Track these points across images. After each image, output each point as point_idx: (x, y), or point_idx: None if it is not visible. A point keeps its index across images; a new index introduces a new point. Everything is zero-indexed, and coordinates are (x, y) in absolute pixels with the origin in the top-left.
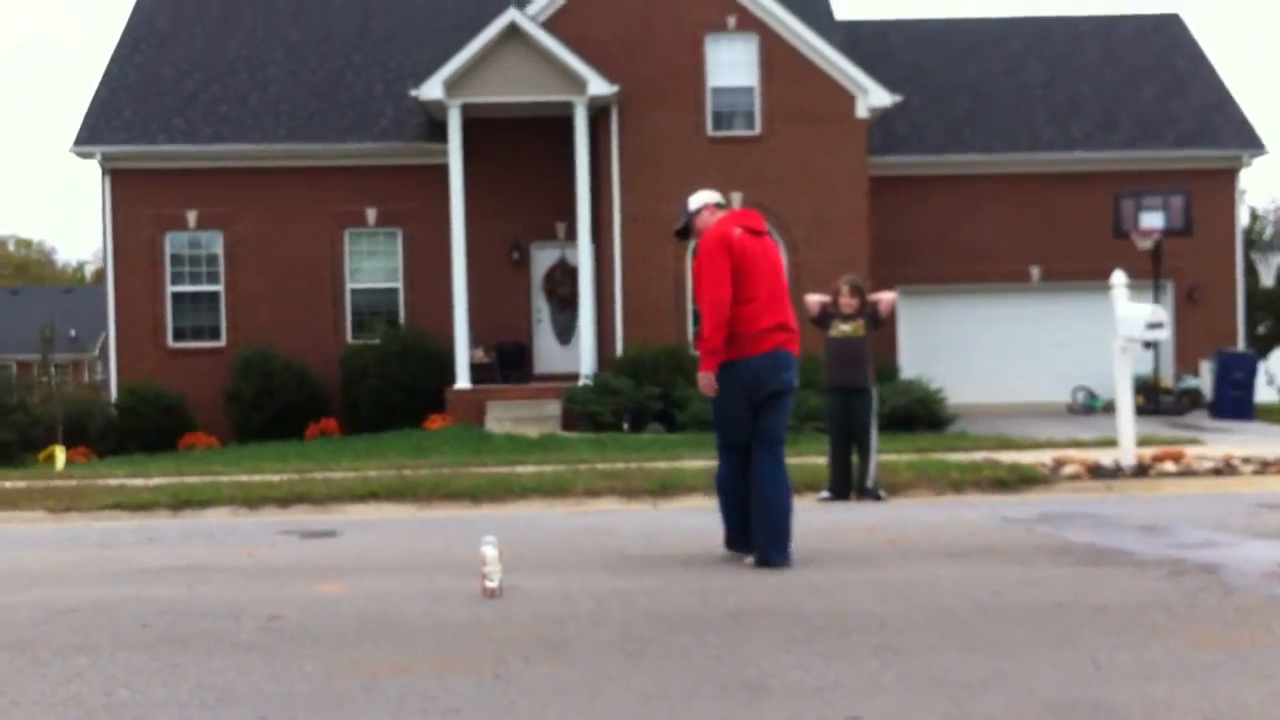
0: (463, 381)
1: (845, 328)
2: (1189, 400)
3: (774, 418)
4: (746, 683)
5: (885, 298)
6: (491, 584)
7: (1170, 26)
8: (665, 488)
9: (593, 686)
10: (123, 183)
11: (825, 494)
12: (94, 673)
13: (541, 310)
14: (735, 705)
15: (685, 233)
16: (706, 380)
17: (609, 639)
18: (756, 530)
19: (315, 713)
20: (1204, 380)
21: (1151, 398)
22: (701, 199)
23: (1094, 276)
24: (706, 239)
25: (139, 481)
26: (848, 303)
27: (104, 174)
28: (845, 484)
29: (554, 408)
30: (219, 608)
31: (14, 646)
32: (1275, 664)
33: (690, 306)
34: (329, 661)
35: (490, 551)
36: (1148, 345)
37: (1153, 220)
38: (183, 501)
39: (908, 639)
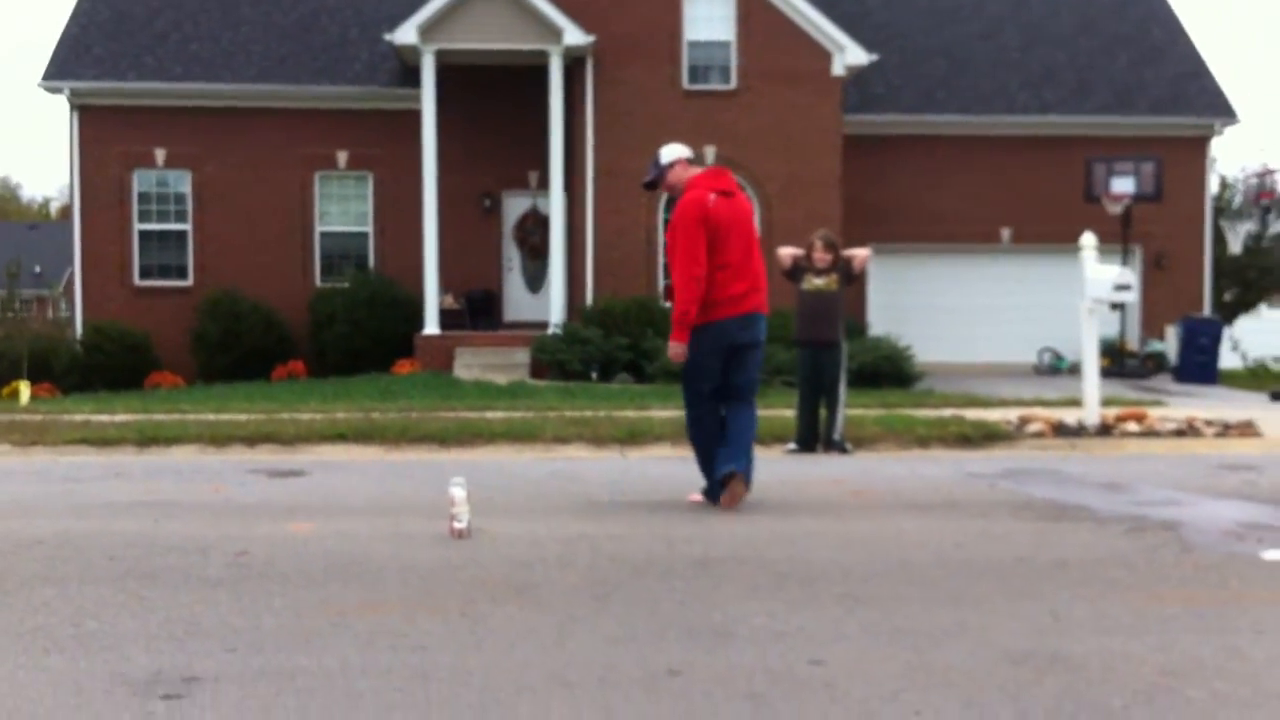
0: (432, 327)
1: (818, 281)
2: (1154, 364)
3: (747, 371)
4: (712, 628)
5: (859, 254)
6: (460, 525)
7: None
8: (633, 436)
9: (559, 628)
10: (91, 119)
11: (792, 446)
12: (61, 604)
13: (512, 259)
14: (700, 649)
15: (653, 185)
16: (678, 350)
17: (576, 583)
18: (733, 455)
19: (284, 647)
20: (1169, 345)
21: (1117, 361)
22: (673, 153)
23: (1064, 240)
24: (683, 209)
25: (105, 418)
26: (821, 257)
27: (72, 110)
28: (812, 437)
29: (523, 356)
30: (186, 543)
31: None
32: (1231, 619)
33: (661, 260)
34: (297, 599)
35: (459, 493)
36: (1115, 306)
37: (1124, 185)
38: (149, 438)
39: (871, 589)
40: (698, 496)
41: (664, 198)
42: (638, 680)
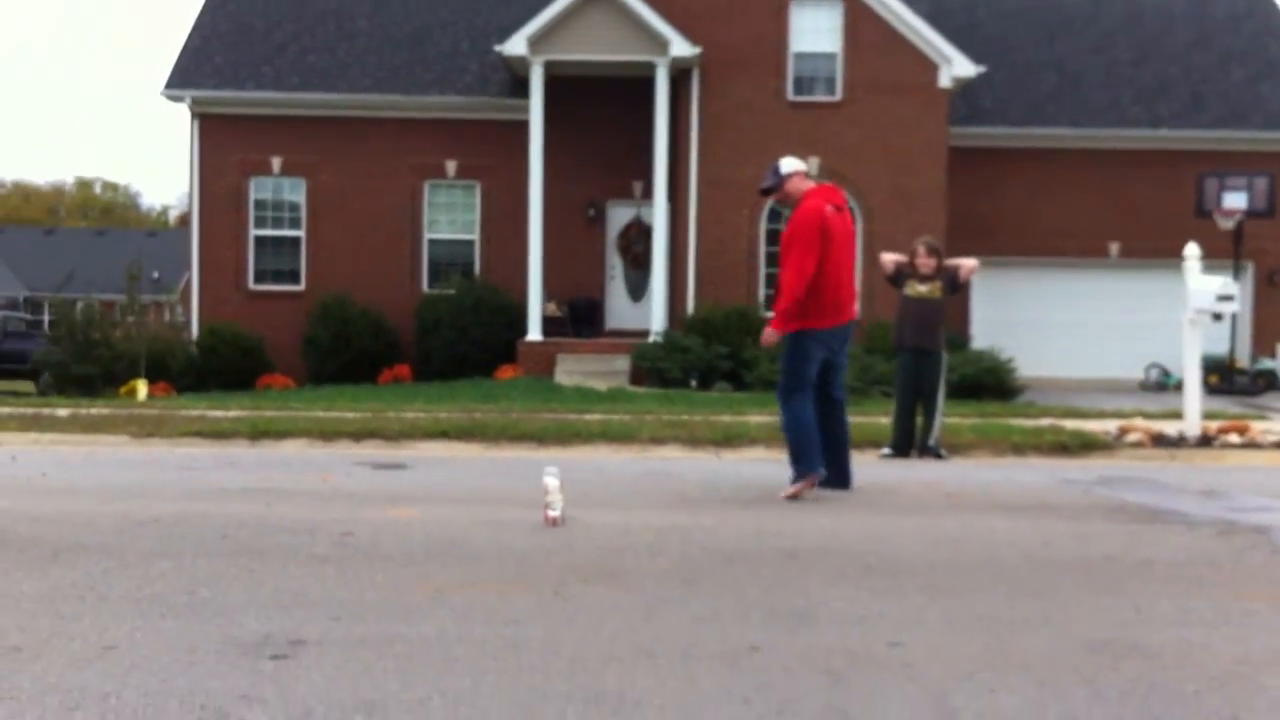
0: (534, 334)
1: (921, 288)
2: (1264, 381)
3: (840, 376)
4: (794, 611)
5: (967, 263)
6: (554, 513)
7: (1263, 9)
8: (729, 438)
9: (647, 608)
10: (211, 127)
11: (887, 450)
12: (176, 575)
13: (615, 267)
14: (782, 630)
15: (770, 191)
16: (772, 336)
17: (665, 568)
18: (844, 460)
19: (385, 617)
20: None
21: (1226, 378)
22: (792, 165)
23: (1173, 255)
24: (804, 214)
25: (219, 413)
26: (925, 262)
27: (193, 118)
28: (908, 442)
29: (623, 363)
30: (295, 524)
31: (100, 549)
32: None
33: (763, 270)
34: (398, 575)
35: (552, 482)
36: (1217, 317)
37: (1235, 201)
38: (261, 432)
39: (955, 581)
40: (793, 489)
41: (767, 209)
42: (719, 655)
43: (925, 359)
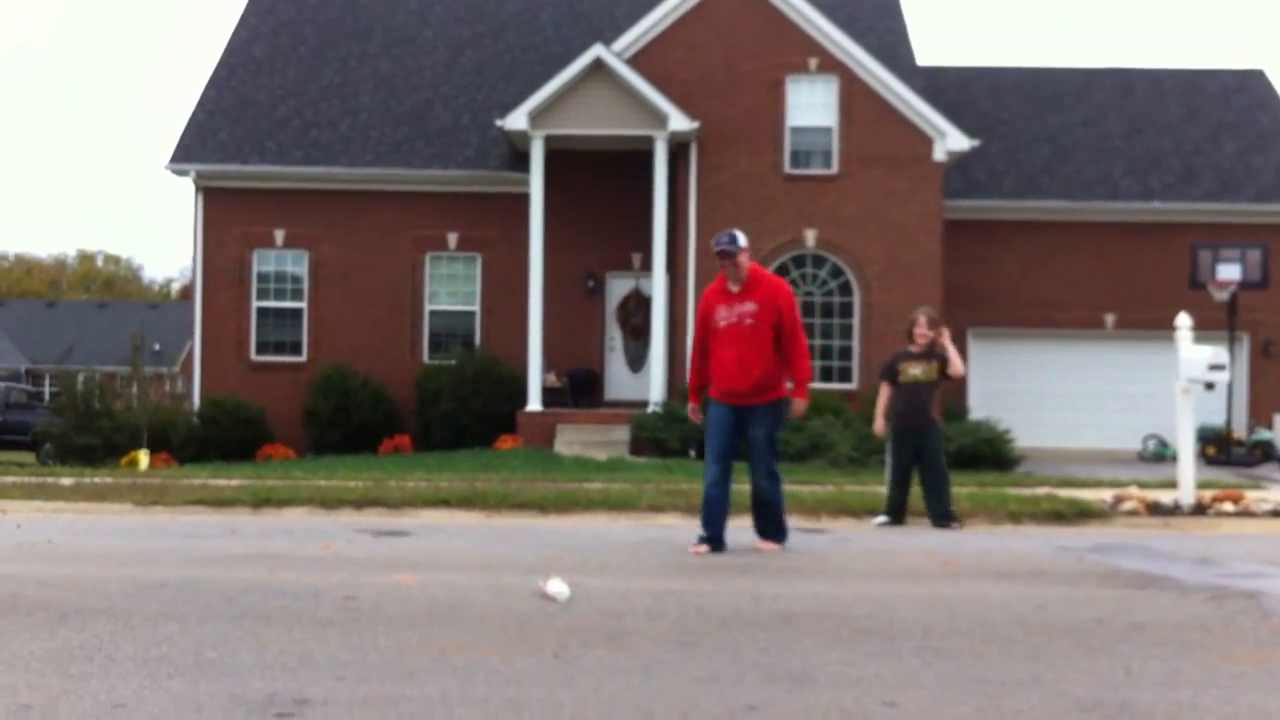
0: (534, 404)
1: (915, 371)
2: (1261, 452)
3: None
4: (791, 673)
5: (956, 366)
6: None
7: (1254, 83)
8: None
9: (646, 670)
10: (214, 200)
11: (883, 519)
12: (182, 637)
13: (614, 338)
14: (779, 691)
15: (726, 255)
16: (805, 407)
17: (663, 631)
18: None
19: (388, 678)
20: (1277, 433)
21: (1223, 449)
22: (745, 240)
23: (1168, 327)
24: (792, 295)
25: (221, 482)
26: (922, 334)
27: (197, 191)
28: (904, 509)
29: (623, 433)
30: (298, 589)
31: (108, 613)
32: None
33: None
34: (401, 638)
35: (561, 591)
36: (1210, 386)
37: (1229, 272)
38: (263, 500)
39: (949, 644)
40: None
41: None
42: (717, 715)
43: (923, 435)
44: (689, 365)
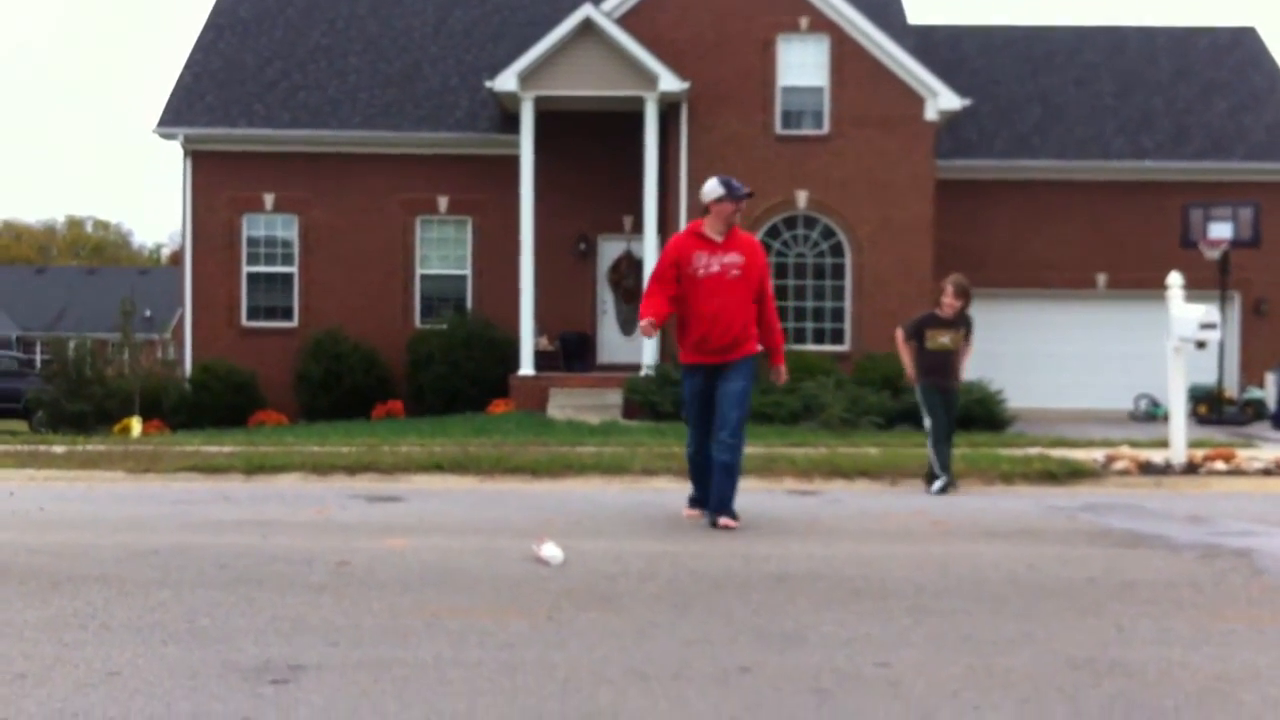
0: (527, 368)
1: (943, 339)
2: (1252, 411)
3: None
4: (783, 633)
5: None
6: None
7: (1247, 41)
8: None
9: (639, 631)
10: (203, 165)
11: (941, 481)
12: (176, 603)
13: (606, 301)
14: (771, 651)
15: (738, 199)
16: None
17: (656, 593)
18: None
19: (382, 642)
20: (1269, 392)
21: (1215, 408)
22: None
23: (1160, 286)
24: (760, 248)
25: (213, 449)
26: (950, 303)
27: (185, 156)
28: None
29: (615, 397)
30: (291, 554)
31: (101, 579)
32: None
33: None
34: (394, 602)
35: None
36: (1201, 345)
37: (1221, 231)
38: (256, 467)
39: (941, 603)
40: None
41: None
42: (710, 676)
43: (949, 394)
44: (641, 300)
